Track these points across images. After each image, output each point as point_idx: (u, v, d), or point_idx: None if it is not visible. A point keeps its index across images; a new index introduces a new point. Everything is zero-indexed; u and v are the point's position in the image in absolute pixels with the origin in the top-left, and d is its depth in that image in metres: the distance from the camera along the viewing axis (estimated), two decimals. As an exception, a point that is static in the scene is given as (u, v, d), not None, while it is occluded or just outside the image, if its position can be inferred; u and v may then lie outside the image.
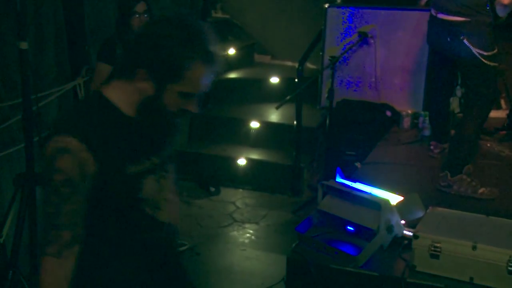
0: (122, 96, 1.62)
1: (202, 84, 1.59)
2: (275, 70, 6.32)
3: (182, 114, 1.64)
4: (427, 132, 4.59)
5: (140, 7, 3.60)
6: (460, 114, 4.44)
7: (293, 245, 2.84)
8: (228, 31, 6.55)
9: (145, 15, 3.60)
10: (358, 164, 4.13)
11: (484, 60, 3.37)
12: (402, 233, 2.82)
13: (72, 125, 1.55)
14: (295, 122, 5.05)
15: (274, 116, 5.63)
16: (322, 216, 2.94)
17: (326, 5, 4.91)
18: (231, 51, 6.22)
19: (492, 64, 3.41)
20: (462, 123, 3.64)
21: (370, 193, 2.86)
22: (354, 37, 4.67)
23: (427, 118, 4.62)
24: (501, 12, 3.36)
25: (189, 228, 4.42)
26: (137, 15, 3.57)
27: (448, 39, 3.48)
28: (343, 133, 4.81)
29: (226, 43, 6.26)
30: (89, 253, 1.61)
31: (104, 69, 3.50)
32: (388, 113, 4.94)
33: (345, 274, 2.64)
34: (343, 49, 4.60)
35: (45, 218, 1.54)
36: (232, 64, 6.18)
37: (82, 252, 1.57)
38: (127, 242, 1.69)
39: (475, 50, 3.36)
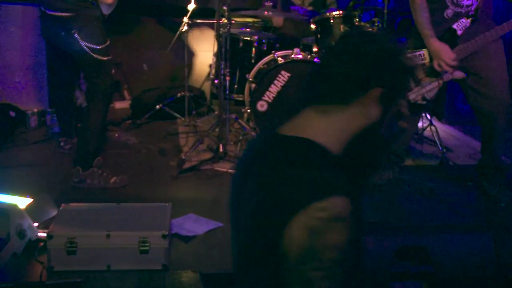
0: (331, 130, 1.30)
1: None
2: None
3: (393, 139, 1.40)
4: (56, 129, 4.52)
5: None
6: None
7: None
8: None
9: None
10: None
11: (93, 54, 3.44)
12: (37, 235, 2.72)
13: (334, 179, 1.19)
14: None
15: None
16: None
17: None
18: None
19: (104, 58, 3.51)
20: (86, 116, 3.68)
21: (-5, 200, 2.67)
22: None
23: (54, 115, 4.53)
24: (106, 10, 3.50)
25: None
26: None
27: (62, 34, 3.45)
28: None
29: None
30: None
31: None
32: (12, 114, 4.68)
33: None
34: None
35: None
36: None
37: None
38: None
39: (85, 44, 3.40)
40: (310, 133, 1.29)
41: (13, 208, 2.62)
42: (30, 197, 2.90)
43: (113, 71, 3.65)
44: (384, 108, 1.31)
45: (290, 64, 4.14)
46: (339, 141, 1.30)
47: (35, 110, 4.77)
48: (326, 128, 1.30)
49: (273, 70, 4.14)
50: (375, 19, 4.41)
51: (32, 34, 4.47)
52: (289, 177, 1.21)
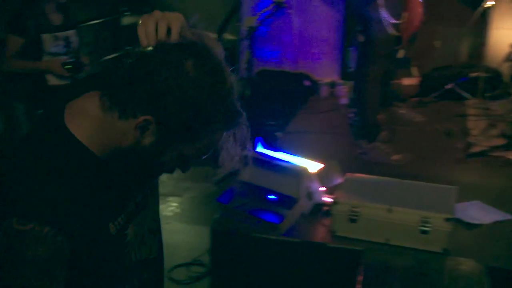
0: (96, 132, 1.18)
1: (212, 148, 1.25)
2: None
3: (171, 172, 1.30)
4: (344, 101, 4.70)
5: None
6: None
7: (216, 216, 2.84)
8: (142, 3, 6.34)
9: None
10: (279, 134, 4.18)
11: (385, 26, 3.41)
12: (322, 199, 2.89)
13: (39, 204, 1.12)
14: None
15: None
16: (244, 186, 2.95)
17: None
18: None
19: (391, 32, 3.47)
20: (364, 93, 3.75)
21: (290, 161, 2.90)
22: (271, 7, 4.67)
23: (343, 86, 4.71)
24: None
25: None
26: None
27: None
28: (263, 103, 4.83)
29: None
30: None
31: (16, 42, 3.35)
32: (307, 83, 5.00)
33: (268, 242, 2.68)
34: (260, 19, 4.59)
35: None
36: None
37: None
38: None
39: (383, 13, 3.39)
40: (80, 127, 1.18)
41: (304, 171, 2.82)
42: (319, 162, 3.08)
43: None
44: (160, 143, 1.16)
45: None
46: (98, 144, 1.18)
47: (327, 80, 5.02)
48: (93, 128, 1.18)
49: None
50: None
51: (333, 7, 4.68)
52: (17, 179, 1.14)
